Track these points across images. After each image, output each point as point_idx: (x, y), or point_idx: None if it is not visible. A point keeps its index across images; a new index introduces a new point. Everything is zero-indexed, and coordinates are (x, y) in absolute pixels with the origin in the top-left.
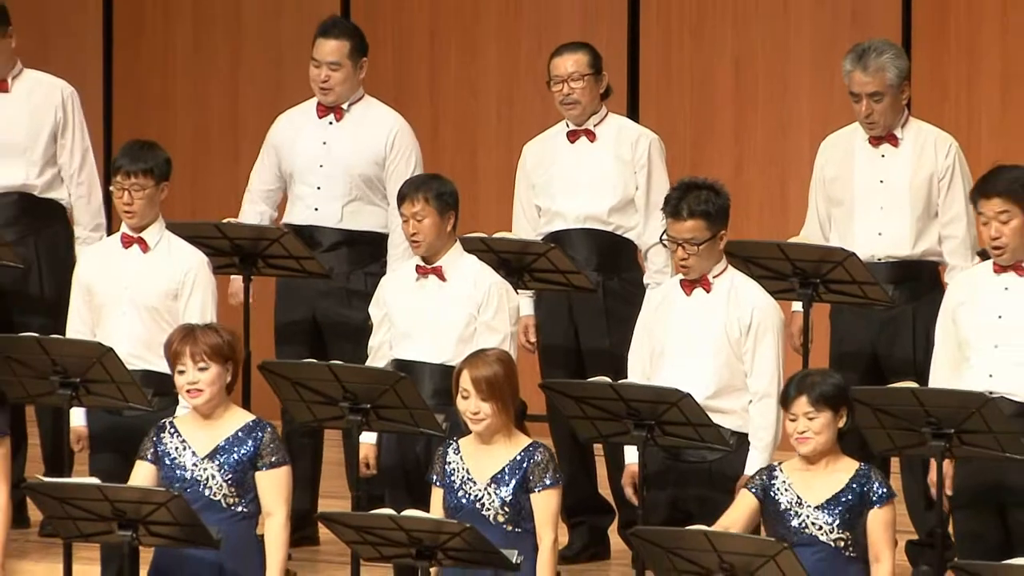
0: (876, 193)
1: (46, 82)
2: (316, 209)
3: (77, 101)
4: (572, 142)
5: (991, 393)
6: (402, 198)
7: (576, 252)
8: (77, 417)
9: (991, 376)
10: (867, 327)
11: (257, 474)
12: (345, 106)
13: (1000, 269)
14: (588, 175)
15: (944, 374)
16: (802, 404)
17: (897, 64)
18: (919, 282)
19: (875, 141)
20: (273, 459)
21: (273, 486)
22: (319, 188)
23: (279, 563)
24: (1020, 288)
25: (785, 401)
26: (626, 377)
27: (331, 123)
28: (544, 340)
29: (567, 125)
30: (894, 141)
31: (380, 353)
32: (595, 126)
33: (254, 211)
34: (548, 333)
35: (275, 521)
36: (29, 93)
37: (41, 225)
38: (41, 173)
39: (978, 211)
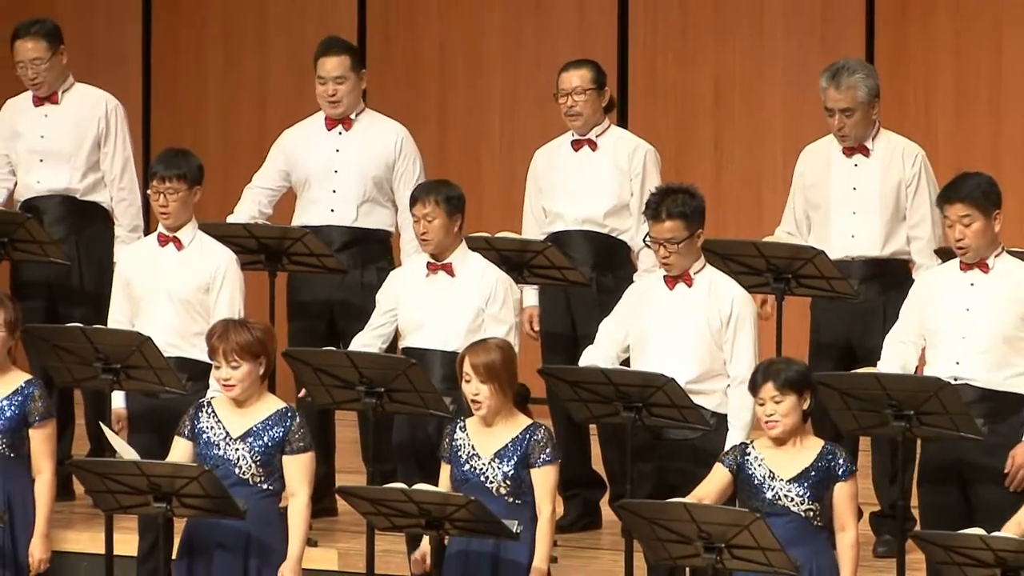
0: (849, 199)
1: (93, 95)
2: (332, 211)
3: (121, 113)
4: (576, 150)
5: (956, 379)
6: (415, 200)
7: (575, 251)
8: (117, 400)
9: (958, 364)
10: (843, 319)
11: (284, 458)
12: (352, 116)
13: (966, 267)
14: (588, 181)
15: (894, 350)
16: (768, 389)
17: (867, 83)
18: (890, 277)
19: (848, 151)
20: (300, 445)
21: (298, 469)
22: (335, 192)
23: (300, 538)
24: (985, 284)
25: (753, 387)
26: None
27: (340, 133)
28: (545, 329)
29: (572, 135)
30: (866, 152)
31: (372, 328)
32: (597, 136)
33: (252, 200)
34: (548, 323)
35: (299, 500)
36: (77, 105)
37: (83, 225)
38: (84, 178)
39: (944, 215)
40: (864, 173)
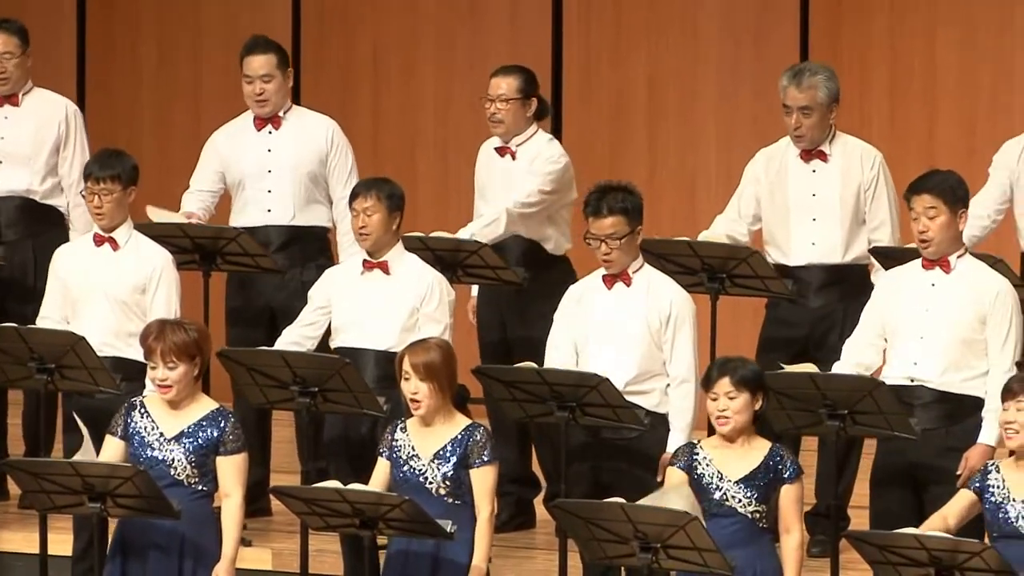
0: (809, 206)
1: (53, 99)
2: (269, 211)
3: (80, 119)
4: (501, 156)
5: (913, 380)
6: (355, 195)
7: (508, 254)
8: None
9: (916, 364)
10: (802, 321)
11: (218, 459)
12: (281, 114)
13: (928, 265)
14: (511, 188)
15: (855, 349)
16: (724, 385)
17: (828, 85)
18: (849, 283)
19: (806, 156)
20: (235, 445)
21: (232, 470)
22: (270, 191)
23: (234, 538)
24: (946, 284)
25: (708, 382)
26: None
27: (270, 132)
28: (479, 330)
29: (498, 140)
30: (823, 157)
31: (302, 324)
32: (517, 145)
33: (197, 202)
34: (483, 324)
35: (233, 501)
36: (37, 108)
37: (40, 229)
38: (43, 181)
39: (910, 207)
40: (823, 178)
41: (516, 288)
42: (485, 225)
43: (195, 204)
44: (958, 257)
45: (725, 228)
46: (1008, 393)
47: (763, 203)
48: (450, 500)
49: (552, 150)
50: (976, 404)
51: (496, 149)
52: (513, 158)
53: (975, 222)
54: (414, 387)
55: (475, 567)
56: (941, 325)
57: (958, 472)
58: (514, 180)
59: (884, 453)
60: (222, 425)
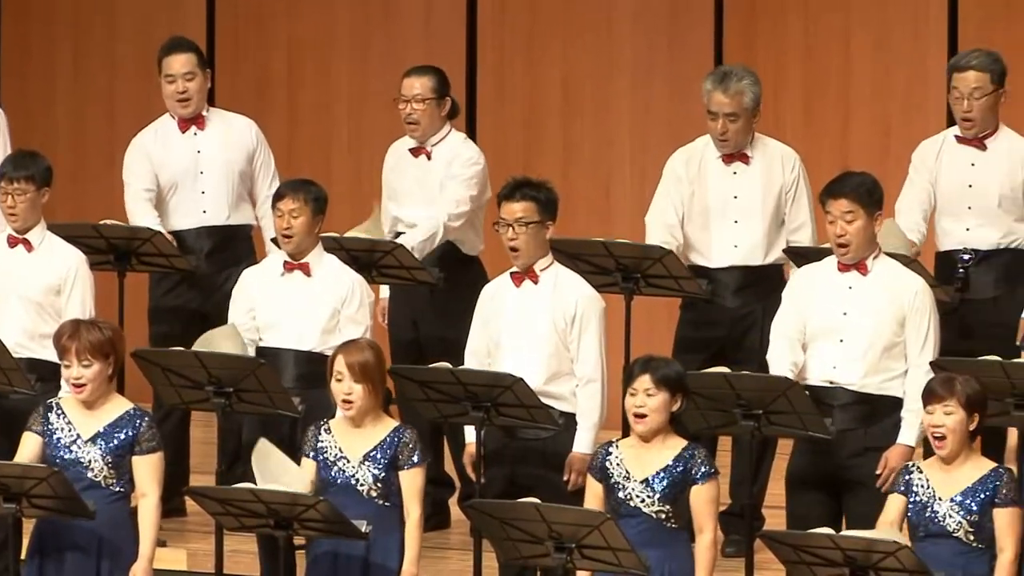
0: (730, 208)
1: None
2: (204, 212)
3: (4, 121)
4: (415, 157)
5: (832, 383)
6: (281, 196)
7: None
8: None
9: (834, 368)
10: (720, 321)
11: (134, 458)
12: (204, 113)
13: (844, 268)
14: (426, 189)
15: (786, 353)
16: (644, 381)
17: (753, 90)
18: (767, 284)
19: (727, 159)
20: (150, 445)
21: (148, 470)
22: (204, 193)
23: (151, 538)
24: (863, 287)
25: (629, 378)
26: (463, 363)
27: (196, 133)
28: (391, 330)
29: (410, 140)
30: (745, 159)
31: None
32: (432, 145)
33: (146, 203)
34: (395, 324)
35: (149, 501)
36: None
37: None
38: None
39: (826, 210)
40: (744, 181)
41: (429, 288)
42: (423, 239)
43: (145, 208)
44: (874, 259)
45: (665, 235)
46: (933, 396)
47: (685, 206)
48: (380, 502)
49: (470, 150)
50: (894, 404)
51: (410, 150)
52: (428, 158)
53: (914, 228)
54: (347, 387)
55: (406, 571)
56: (860, 328)
57: (877, 472)
58: (429, 181)
59: (802, 454)
60: (137, 425)
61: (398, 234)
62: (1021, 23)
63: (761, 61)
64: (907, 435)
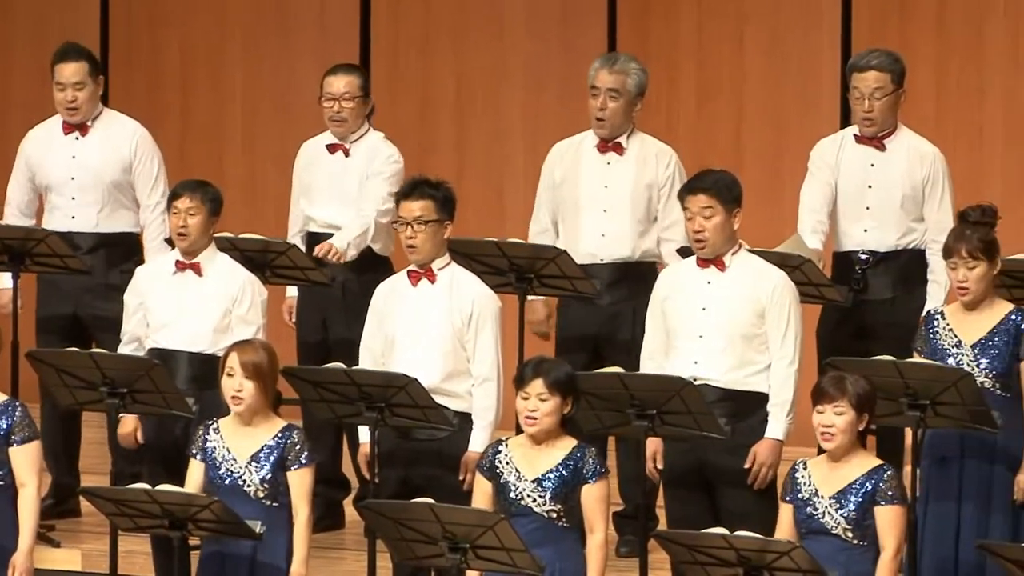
0: (601, 197)
1: None
2: (73, 217)
3: None
4: (331, 154)
5: (696, 379)
6: (177, 195)
7: None
8: None
9: (696, 363)
10: (593, 318)
11: (11, 450)
12: (89, 122)
13: (703, 264)
14: (343, 186)
15: (655, 362)
16: (537, 385)
17: (639, 75)
18: (639, 280)
19: (603, 147)
20: (25, 435)
21: (25, 460)
22: (74, 199)
23: (32, 528)
24: (721, 282)
25: (521, 381)
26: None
27: (77, 138)
28: (299, 331)
29: (330, 136)
30: (619, 150)
31: (130, 337)
32: (351, 143)
33: (16, 221)
34: (304, 324)
35: (29, 491)
36: None
37: None
38: None
39: (684, 207)
40: (617, 172)
41: (342, 289)
42: (356, 236)
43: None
44: (733, 254)
45: (545, 240)
46: (823, 396)
47: (556, 194)
48: (268, 502)
49: (390, 148)
50: (761, 399)
51: (328, 146)
52: (346, 155)
53: (819, 228)
54: (238, 384)
55: (294, 572)
56: (719, 323)
57: (747, 466)
58: (345, 178)
59: (673, 453)
60: (11, 415)
61: (312, 235)
62: (915, 23)
63: (654, 62)
64: (774, 429)
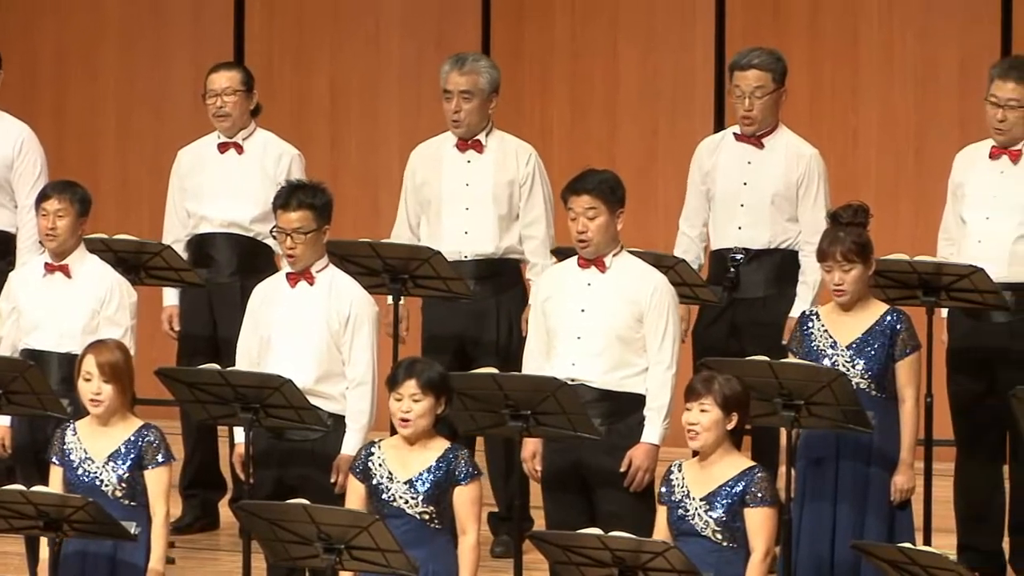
0: (462, 195)
1: None
2: None
3: None
4: (222, 153)
5: (573, 380)
6: (45, 196)
7: (218, 254)
8: None
9: (574, 365)
10: (456, 317)
11: None
12: None
13: (585, 264)
14: (234, 185)
15: (537, 362)
16: (410, 387)
17: (490, 73)
18: (502, 277)
19: (462, 146)
20: None
21: None
22: None
23: None
24: (601, 283)
25: (394, 382)
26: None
27: None
28: (185, 330)
29: (218, 136)
30: (479, 147)
31: (7, 342)
32: (243, 140)
33: None
34: (188, 324)
35: None
36: None
37: None
38: None
39: (568, 207)
40: (477, 169)
41: (240, 288)
42: None
43: None
44: (614, 256)
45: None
46: (692, 394)
47: (418, 196)
48: (126, 502)
49: (284, 145)
50: (638, 401)
51: (219, 146)
52: (239, 152)
53: (697, 240)
54: (96, 387)
55: (152, 570)
56: (598, 324)
57: (622, 470)
58: (238, 176)
59: (550, 454)
60: None
61: (206, 236)
62: (788, 26)
63: (528, 65)
64: (650, 434)
